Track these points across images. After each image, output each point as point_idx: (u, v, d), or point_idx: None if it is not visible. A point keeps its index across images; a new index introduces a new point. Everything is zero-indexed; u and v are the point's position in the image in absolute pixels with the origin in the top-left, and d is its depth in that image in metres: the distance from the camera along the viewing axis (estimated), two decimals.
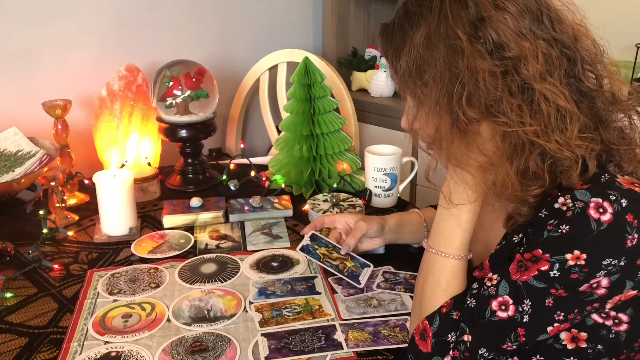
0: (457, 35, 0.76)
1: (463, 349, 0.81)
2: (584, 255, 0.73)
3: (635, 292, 0.77)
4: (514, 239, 0.85)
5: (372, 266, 1.13)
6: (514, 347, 0.79)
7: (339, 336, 0.96)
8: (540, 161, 0.77)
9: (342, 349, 0.94)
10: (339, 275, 1.10)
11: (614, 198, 0.73)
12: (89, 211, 1.43)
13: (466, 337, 0.80)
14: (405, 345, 0.91)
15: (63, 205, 1.37)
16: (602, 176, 0.78)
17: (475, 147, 0.79)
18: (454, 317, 0.83)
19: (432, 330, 0.83)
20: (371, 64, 2.19)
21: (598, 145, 0.78)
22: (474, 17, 0.76)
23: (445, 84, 0.77)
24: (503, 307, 0.78)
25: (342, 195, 1.43)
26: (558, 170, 0.77)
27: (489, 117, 0.77)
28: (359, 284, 1.09)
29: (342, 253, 1.12)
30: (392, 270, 1.16)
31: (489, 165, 0.79)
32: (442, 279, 0.86)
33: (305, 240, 1.14)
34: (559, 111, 0.76)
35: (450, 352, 0.82)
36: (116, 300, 1.07)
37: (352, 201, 1.40)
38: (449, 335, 0.82)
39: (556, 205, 0.76)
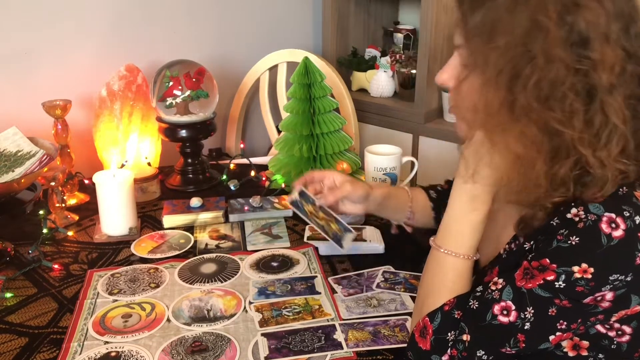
0: (547, 12, 0.70)
1: (461, 349, 0.80)
2: (592, 269, 0.72)
3: None
4: (525, 246, 0.83)
5: (354, 233, 1.12)
6: (513, 352, 0.79)
7: (339, 336, 0.96)
8: (570, 170, 0.75)
9: (342, 348, 0.93)
10: (324, 235, 1.10)
11: (628, 215, 0.71)
12: (89, 211, 1.43)
13: (465, 337, 0.80)
14: (405, 345, 0.91)
15: (63, 205, 1.37)
16: (621, 189, 0.75)
17: (519, 134, 0.74)
18: (456, 315, 0.82)
19: (432, 327, 0.83)
20: (371, 64, 2.19)
21: (631, 167, 0.75)
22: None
23: (516, 58, 0.72)
24: (505, 312, 0.78)
25: None
26: (580, 182, 0.75)
27: (545, 109, 0.72)
28: (342, 247, 1.09)
29: (317, 204, 1.11)
30: (392, 270, 1.16)
31: (525, 157, 0.75)
32: (450, 278, 0.86)
33: (295, 195, 1.12)
34: (609, 127, 0.73)
35: (449, 351, 0.81)
36: (116, 300, 1.07)
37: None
38: (449, 334, 0.82)
39: (568, 215, 0.75)
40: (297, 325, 0.99)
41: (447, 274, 0.86)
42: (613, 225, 0.71)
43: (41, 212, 1.33)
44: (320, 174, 1.17)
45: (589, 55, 0.71)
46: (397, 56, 2.09)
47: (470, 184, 0.85)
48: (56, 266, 1.19)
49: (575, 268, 0.73)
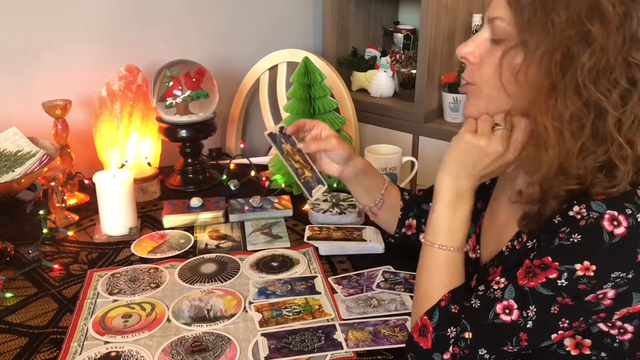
0: None
1: (463, 346, 0.80)
2: (594, 267, 0.72)
3: None
4: (527, 244, 0.84)
5: (326, 186, 1.11)
6: (515, 350, 0.79)
7: (339, 336, 0.96)
8: (596, 159, 0.75)
9: (342, 348, 0.93)
10: (295, 178, 1.08)
11: (630, 212, 0.71)
12: (89, 211, 1.43)
13: (467, 335, 0.80)
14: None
15: (63, 205, 1.37)
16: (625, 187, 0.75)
17: (568, 113, 0.73)
18: (453, 310, 0.83)
19: (432, 325, 0.83)
20: (371, 64, 2.19)
21: None
22: None
23: (573, 37, 0.71)
24: (507, 311, 0.78)
25: (342, 195, 1.43)
26: (597, 175, 0.74)
27: (596, 90, 0.72)
28: (311, 196, 1.08)
29: (297, 147, 1.09)
30: (392, 270, 1.16)
31: (565, 136, 0.74)
32: (445, 272, 0.87)
33: (275, 129, 1.10)
34: None
35: (450, 349, 0.81)
36: (116, 300, 1.07)
37: (352, 201, 1.40)
38: (449, 330, 0.82)
39: (570, 213, 0.75)
40: (297, 325, 0.99)
41: (442, 268, 0.87)
42: (615, 222, 0.71)
43: (41, 212, 1.33)
44: (312, 123, 1.13)
45: (634, 55, 0.71)
46: (397, 56, 2.09)
47: (455, 182, 0.87)
48: (56, 266, 1.19)
49: (578, 266, 0.73)
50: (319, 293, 1.09)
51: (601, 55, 0.71)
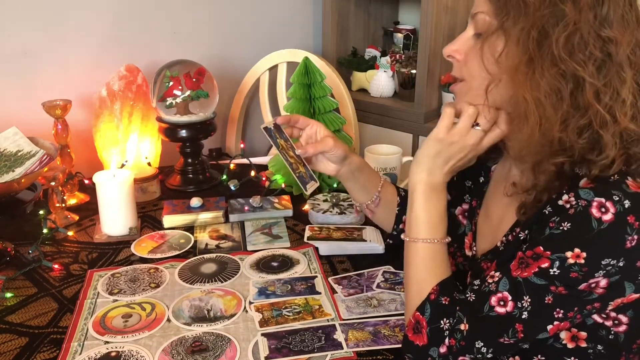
0: None
1: (459, 338, 0.81)
2: (584, 254, 0.73)
3: (637, 295, 0.77)
4: (520, 236, 0.85)
5: (317, 182, 1.13)
6: (512, 342, 0.79)
7: (339, 336, 0.96)
8: (578, 134, 0.76)
9: (342, 348, 0.94)
10: (291, 171, 1.10)
11: (617, 199, 0.73)
12: (89, 211, 1.43)
13: (463, 326, 0.81)
14: None
15: (63, 205, 1.37)
16: (612, 176, 0.76)
17: (545, 85, 0.76)
18: (444, 302, 0.84)
19: (425, 319, 0.84)
20: (371, 64, 2.19)
21: (637, 148, 0.77)
22: None
23: (544, 18, 0.74)
24: (502, 303, 0.79)
25: (342, 195, 1.43)
26: (587, 155, 0.76)
27: (572, 61, 0.74)
28: (306, 191, 1.11)
29: (296, 154, 1.10)
30: (392, 270, 1.16)
31: (546, 108, 0.76)
32: (432, 265, 0.88)
33: (270, 124, 1.10)
34: (619, 99, 0.75)
35: (446, 341, 0.82)
36: (116, 300, 1.07)
37: (352, 201, 1.40)
38: (442, 322, 0.83)
39: (560, 202, 0.77)
40: (297, 325, 0.99)
41: (427, 262, 0.89)
42: (603, 209, 0.72)
43: (41, 212, 1.33)
44: (305, 120, 1.14)
45: (605, 34, 0.73)
46: (397, 56, 2.09)
47: (429, 178, 0.89)
48: (56, 266, 1.19)
49: (569, 253, 0.74)
50: (319, 293, 1.09)
51: (574, 28, 0.73)
